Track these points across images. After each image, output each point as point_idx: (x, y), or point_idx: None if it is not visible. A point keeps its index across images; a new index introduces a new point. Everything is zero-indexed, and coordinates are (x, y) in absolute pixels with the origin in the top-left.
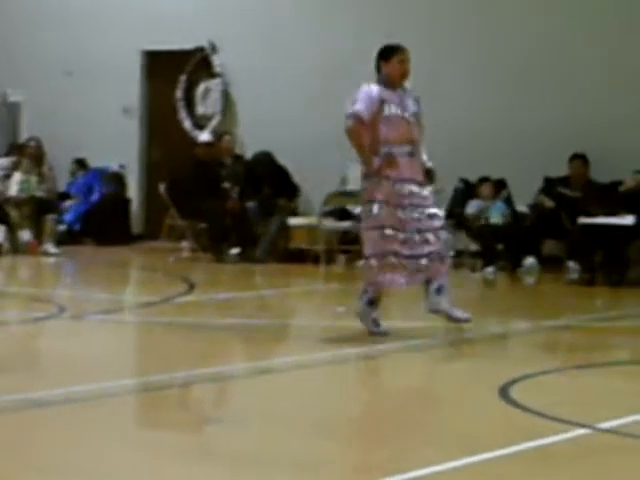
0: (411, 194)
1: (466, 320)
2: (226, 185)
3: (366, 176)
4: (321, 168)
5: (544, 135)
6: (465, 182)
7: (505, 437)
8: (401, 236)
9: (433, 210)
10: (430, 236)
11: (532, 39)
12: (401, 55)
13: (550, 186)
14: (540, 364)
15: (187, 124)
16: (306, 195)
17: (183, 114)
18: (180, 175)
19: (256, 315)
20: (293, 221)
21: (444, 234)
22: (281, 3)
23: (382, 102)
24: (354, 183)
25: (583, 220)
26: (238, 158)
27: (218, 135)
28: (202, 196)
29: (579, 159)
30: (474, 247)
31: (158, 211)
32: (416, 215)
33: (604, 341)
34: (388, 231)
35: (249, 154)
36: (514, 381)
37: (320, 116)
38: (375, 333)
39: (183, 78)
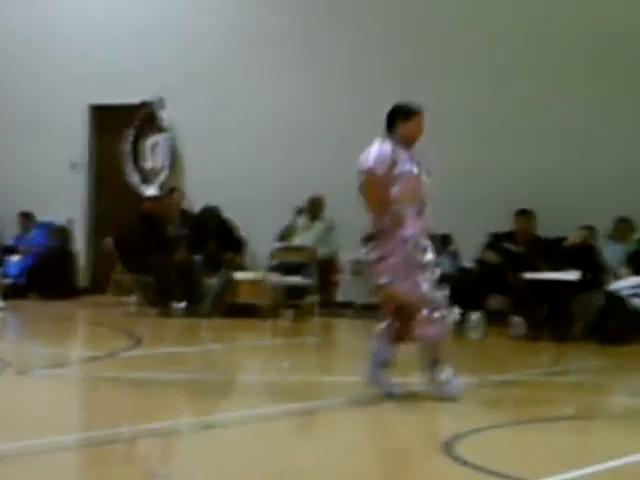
0: (415, 250)
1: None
2: (173, 238)
3: (370, 238)
4: (267, 223)
5: (490, 190)
6: None
7: None
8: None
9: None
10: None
11: (477, 98)
12: (420, 117)
13: (495, 241)
14: (485, 419)
15: (134, 179)
16: (252, 250)
17: (130, 168)
18: (127, 230)
19: (202, 370)
20: (239, 275)
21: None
22: (230, 59)
23: (395, 161)
24: (299, 238)
25: (528, 275)
26: (185, 212)
27: (169, 190)
28: (148, 250)
29: (524, 215)
30: None
31: (104, 265)
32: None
33: (549, 396)
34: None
35: (196, 209)
36: (459, 436)
37: (267, 171)
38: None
39: (130, 132)
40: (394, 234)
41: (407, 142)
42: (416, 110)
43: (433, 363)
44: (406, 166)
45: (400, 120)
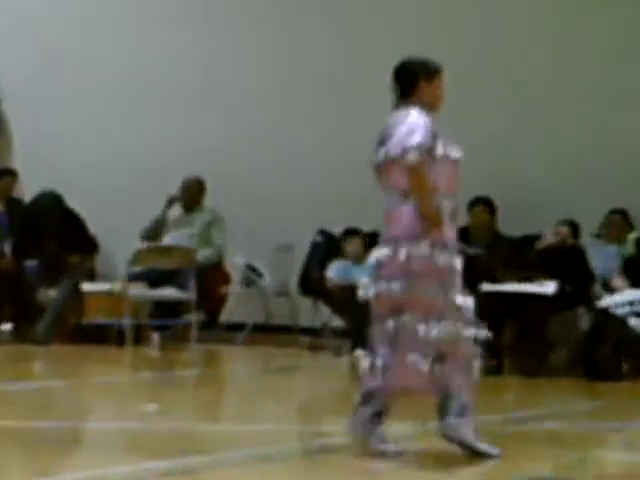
0: (451, 268)
1: (495, 456)
2: None
3: (396, 240)
4: (127, 215)
5: None
6: (327, 235)
7: None
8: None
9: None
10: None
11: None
12: (442, 75)
13: None
14: None
15: None
16: (107, 252)
17: None
18: None
19: (38, 415)
20: (89, 287)
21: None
22: (67, 9)
23: (435, 136)
24: (172, 236)
25: (487, 286)
26: (13, 201)
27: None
28: None
29: (482, 205)
30: (339, 323)
31: None
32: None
33: (516, 451)
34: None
35: (28, 195)
36: None
37: (127, 146)
38: (388, 453)
39: None
40: (425, 238)
41: (431, 110)
42: (438, 67)
43: (376, 414)
44: (447, 145)
45: (423, 80)
